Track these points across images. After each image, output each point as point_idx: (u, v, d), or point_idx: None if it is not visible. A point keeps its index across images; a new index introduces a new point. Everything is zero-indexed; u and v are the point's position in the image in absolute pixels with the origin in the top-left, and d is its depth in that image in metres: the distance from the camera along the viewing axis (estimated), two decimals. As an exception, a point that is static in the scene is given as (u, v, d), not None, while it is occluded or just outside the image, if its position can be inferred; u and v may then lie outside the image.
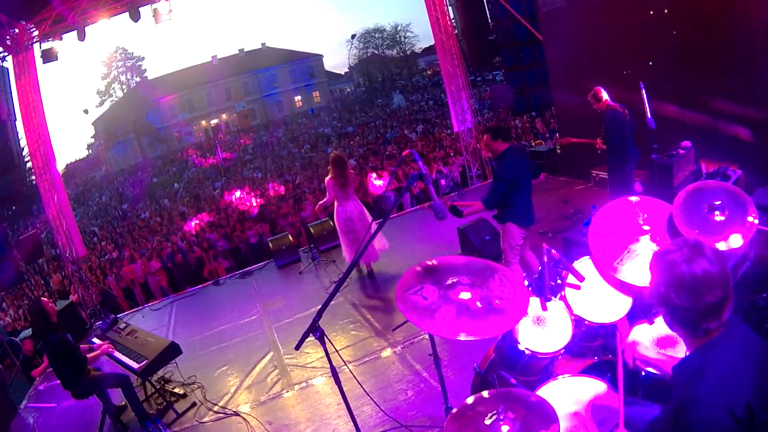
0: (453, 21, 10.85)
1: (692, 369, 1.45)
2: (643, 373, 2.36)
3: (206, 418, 4.59)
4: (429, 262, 2.36)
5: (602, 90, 5.60)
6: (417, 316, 2.14)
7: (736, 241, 2.46)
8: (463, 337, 2.05)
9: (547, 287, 2.65)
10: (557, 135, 10.58)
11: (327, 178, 6.26)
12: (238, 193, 17.64)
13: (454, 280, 2.27)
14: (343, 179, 6.13)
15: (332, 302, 2.42)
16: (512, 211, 4.42)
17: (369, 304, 6.07)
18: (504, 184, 4.23)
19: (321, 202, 6.43)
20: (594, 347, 2.77)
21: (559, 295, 2.72)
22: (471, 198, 4.33)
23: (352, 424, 2.73)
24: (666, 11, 6.25)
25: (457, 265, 2.39)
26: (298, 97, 47.42)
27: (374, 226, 6.47)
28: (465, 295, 2.22)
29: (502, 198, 4.27)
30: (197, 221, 14.44)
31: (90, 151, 47.76)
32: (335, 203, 6.35)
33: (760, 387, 1.37)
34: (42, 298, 4.49)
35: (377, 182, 11.66)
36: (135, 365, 4.56)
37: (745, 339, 1.47)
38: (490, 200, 4.25)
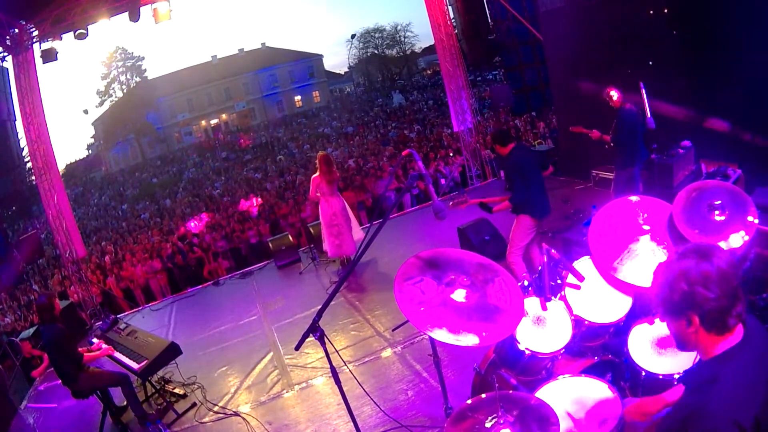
0: (453, 21, 10.83)
1: (705, 377, 1.42)
2: (644, 374, 2.36)
3: (206, 419, 4.59)
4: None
5: (615, 89, 5.61)
6: (410, 307, 2.17)
7: (736, 240, 2.46)
8: (439, 335, 2.08)
9: (547, 287, 2.64)
10: (557, 134, 10.57)
11: (314, 176, 6.74)
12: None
13: (453, 278, 2.28)
14: (330, 176, 6.65)
15: (332, 302, 2.42)
16: (526, 203, 4.62)
17: (369, 304, 6.07)
18: (515, 184, 4.51)
19: (310, 196, 7.00)
20: (594, 347, 2.76)
21: (559, 295, 2.72)
22: (479, 193, 4.64)
23: (352, 424, 2.73)
24: (666, 11, 6.25)
25: (462, 261, 2.40)
26: (298, 97, 47.39)
27: (354, 221, 7.11)
28: (459, 295, 2.23)
29: (526, 194, 4.52)
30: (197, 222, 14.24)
31: (90, 151, 47.70)
32: (320, 199, 6.85)
33: None
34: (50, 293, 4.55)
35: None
36: (135, 365, 4.55)
37: (760, 351, 1.45)
38: (515, 198, 4.55)
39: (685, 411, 1.40)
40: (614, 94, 5.58)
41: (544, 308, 2.67)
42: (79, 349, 4.49)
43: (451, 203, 4.30)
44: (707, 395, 1.37)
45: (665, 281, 1.46)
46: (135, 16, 8.14)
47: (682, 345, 1.54)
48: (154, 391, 4.93)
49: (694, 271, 1.40)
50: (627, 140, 5.52)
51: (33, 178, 8.95)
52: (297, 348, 2.54)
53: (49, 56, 8.02)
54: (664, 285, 1.47)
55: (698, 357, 1.54)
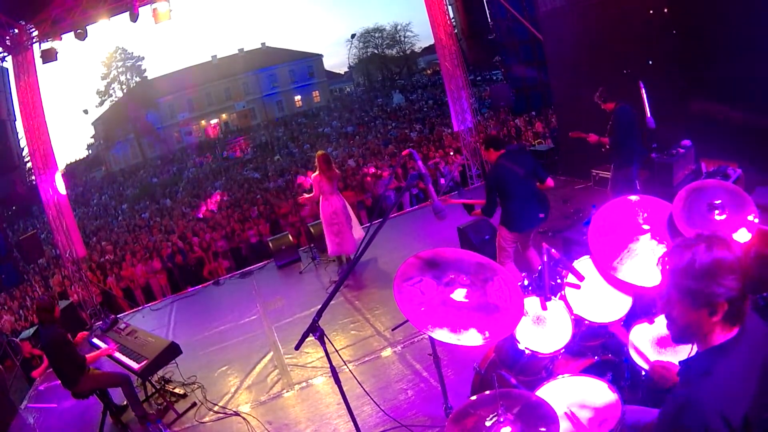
0: (453, 20, 10.80)
1: (700, 369, 1.43)
2: (644, 374, 2.36)
3: (206, 418, 4.59)
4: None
5: (606, 90, 5.59)
6: (410, 308, 2.17)
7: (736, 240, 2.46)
8: (440, 335, 2.09)
9: (547, 287, 2.64)
10: (557, 134, 10.57)
11: (314, 175, 6.81)
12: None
13: (452, 277, 2.28)
14: (330, 173, 6.73)
15: (332, 302, 2.42)
16: (503, 215, 4.65)
17: (369, 303, 6.07)
18: (490, 196, 4.52)
19: (308, 196, 7.04)
20: (594, 347, 2.76)
21: (558, 294, 2.72)
22: (478, 194, 4.70)
23: (352, 423, 2.72)
24: (666, 11, 6.25)
25: (461, 260, 2.40)
26: (297, 97, 47.39)
27: (355, 220, 7.14)
28: (459, 295, 2.23)
29: (494, 206, 4.54)
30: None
31: (90, 151, 47.73)
32: (321, 198, 6.87)
33: (760, 398, 1.35)
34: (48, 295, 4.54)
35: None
36: (135, 365, 4.55)
37: (756, 348, 1.44)
38: (485, 209, 4.58)
39: (678, 401, 1.40)
40: (604, 98, 5.57)
41: (544, 308, 2.67)
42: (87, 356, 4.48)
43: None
44: (699, 387, 1.38)
45: (699, 269, 1.40)
46: (134, 17, 8.14)
47: (690, 335, 1.50)
48: (154, 390, 4.93)
49: (729, 259, 1.38)
50: (623, 139, 5.51)
51: (33, 178, 8.92)
52: (297, 347, 2.54)
53: (49, 56, 8.02)
54: (696, 273, 1.40)
55: (695, 348, 1.53)
